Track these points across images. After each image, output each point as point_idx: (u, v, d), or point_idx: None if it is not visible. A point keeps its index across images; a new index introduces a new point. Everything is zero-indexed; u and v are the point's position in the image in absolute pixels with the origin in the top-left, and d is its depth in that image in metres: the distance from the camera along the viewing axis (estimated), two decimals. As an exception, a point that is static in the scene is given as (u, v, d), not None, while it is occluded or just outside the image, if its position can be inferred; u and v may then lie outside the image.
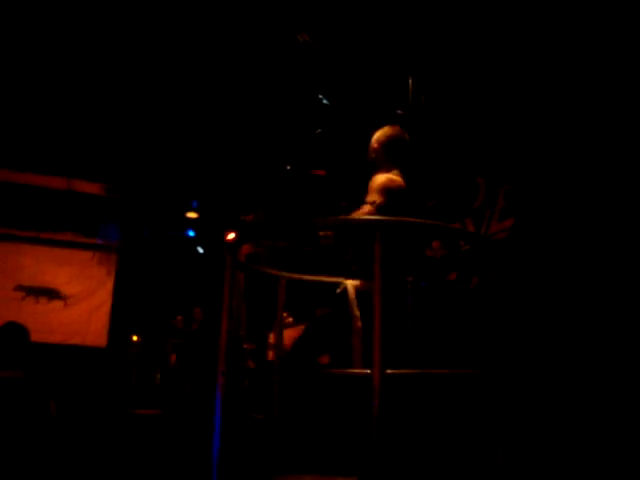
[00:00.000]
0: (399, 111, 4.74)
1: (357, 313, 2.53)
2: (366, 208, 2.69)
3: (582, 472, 3.36)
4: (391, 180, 2.82)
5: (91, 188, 8.86)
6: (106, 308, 9.22)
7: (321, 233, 2.57)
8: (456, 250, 4.92)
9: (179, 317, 8.68)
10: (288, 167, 6.44)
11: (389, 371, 1.53)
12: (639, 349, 3.64)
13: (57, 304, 9.00)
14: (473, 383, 3.60)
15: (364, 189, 2.88)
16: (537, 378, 4.00)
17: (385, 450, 1.47)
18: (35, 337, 3.41)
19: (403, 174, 2.89)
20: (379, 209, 2.67)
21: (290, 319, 7.37)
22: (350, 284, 2.63)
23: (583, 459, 3.45)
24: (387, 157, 2.93)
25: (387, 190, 2.77)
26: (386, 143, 2.97)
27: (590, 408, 3.69)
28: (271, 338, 7.20)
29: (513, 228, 5.11)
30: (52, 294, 9.00)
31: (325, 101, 5.21)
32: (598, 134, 4.41)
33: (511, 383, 1.93)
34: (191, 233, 9.47)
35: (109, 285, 9.32)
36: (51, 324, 8.74)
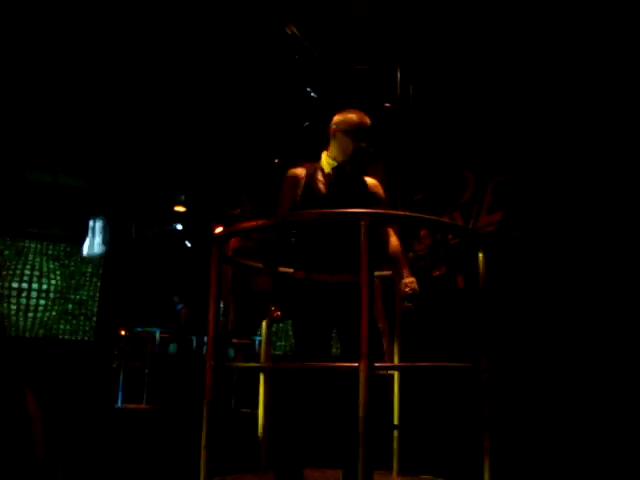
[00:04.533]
0: (387, 104, 4.72)
1: None
2: None
3: (575, 468, 3.38)
4: None
5: (77, 182, 8.82)
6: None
7: None
8: (444, 244, 4.93)
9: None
10: (276, 160, 6.42)
11: (377, 364, 1.53)
12: (625, 342, 3.66)
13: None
14: (461, 376, 3.61)
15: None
16: (523, 371, 4.02)
17: (373, 443, 1.47)
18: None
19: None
20: None
21: (278, 313, 7.35)
22: None
23: (572, 453, 3.48)
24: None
25: None
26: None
27: (577, 401, 3.72)
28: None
29: (501, 222, 5.12)
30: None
31: (313, 94, 5.19)
32: (587, 129, 4.42)
33: (498, 376, 1.94)
34: (179, 227, 9.43)
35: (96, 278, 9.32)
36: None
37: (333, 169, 2.61)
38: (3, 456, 2.49)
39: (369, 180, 2.71)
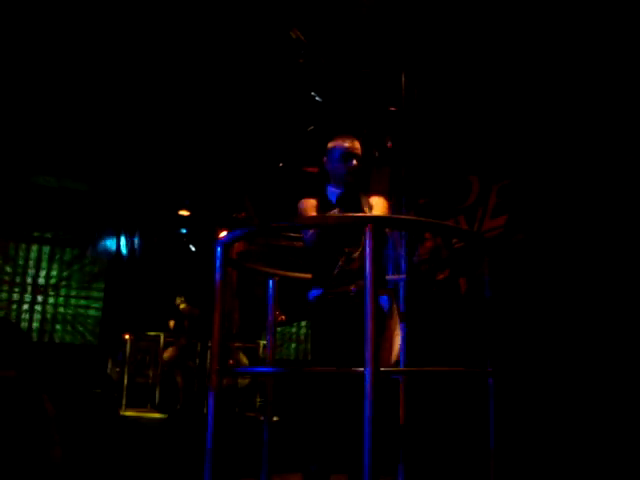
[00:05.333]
0: (392, 108, 4.73)
1: None
2: None
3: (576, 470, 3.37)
4: None
5: (82, 186, 8.85)
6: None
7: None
8: (448, 247, 4.93)
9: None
10: (280, 164, 6.43)
11: (382, 369, 1.52)
12: (628, 346, 3.65)
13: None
14: (466, 380, 3.60)
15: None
16: (528, 375, 4.00)
17: (377, 449, 1.46)
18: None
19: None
20: None
21: (283, 317, 7.37)
22: None
23: (573, 456, 3.46)
24: None
25: None
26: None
27: (581, 404, 3.71)
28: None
29: (506, 225, 5.12)
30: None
31: (317, 98, 5.20)
32: (592, 132, 4.41)
33: (504, 380, 1.93)
34: (183, 231, 9.45)
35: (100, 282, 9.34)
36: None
37: (337, 198, 2.62)
38: (22, 458, 2.50)
39: (373, 199, 2.75)
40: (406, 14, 4.97)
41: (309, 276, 2.68)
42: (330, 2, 4.88)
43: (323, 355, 2.60)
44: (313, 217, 2.51)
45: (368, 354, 1.45)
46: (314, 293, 2.64)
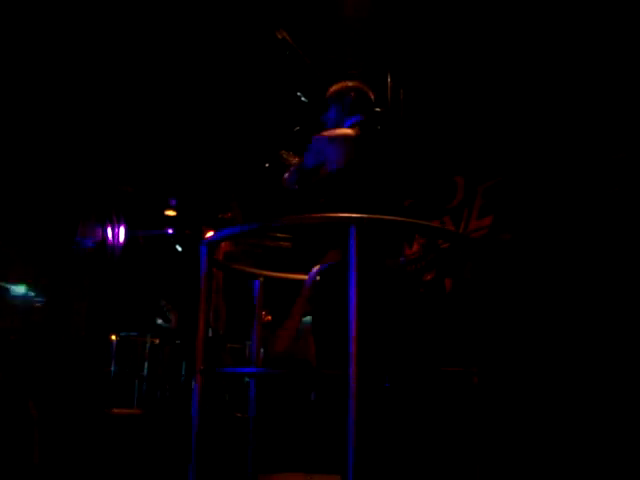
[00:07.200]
0: (377, 108, 4.72)
1: None
2: None
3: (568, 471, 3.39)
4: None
5: (68, 185, 8.78)
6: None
7: None
8: (435, 248, 4.94)
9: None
10: (266, 165, 6.41)
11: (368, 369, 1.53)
12: (615, 348, 3.68)
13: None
14: (453, 381, 3.61)
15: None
16: (513, 375, 4.03)
17: (363, 450, 1.47)
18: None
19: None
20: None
21: (269, 317, 7.36)
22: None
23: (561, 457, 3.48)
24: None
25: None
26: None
27: (567, 405, 3.73)
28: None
29: (492, 226, 5.14)
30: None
31: (303, 98, 5.19)
32: (578, 131, 4.44)
33: (489, 381, 1.94)
34: (169, 231, 9.41)
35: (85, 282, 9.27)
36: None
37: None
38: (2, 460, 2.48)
39: None
40: (392, 14, 4.98)
41: (295, 276, 2.66)
42: (316, 2, 4.88)
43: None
44: (293, 218, 2.48)
45: (352, 355, 1.45)
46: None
